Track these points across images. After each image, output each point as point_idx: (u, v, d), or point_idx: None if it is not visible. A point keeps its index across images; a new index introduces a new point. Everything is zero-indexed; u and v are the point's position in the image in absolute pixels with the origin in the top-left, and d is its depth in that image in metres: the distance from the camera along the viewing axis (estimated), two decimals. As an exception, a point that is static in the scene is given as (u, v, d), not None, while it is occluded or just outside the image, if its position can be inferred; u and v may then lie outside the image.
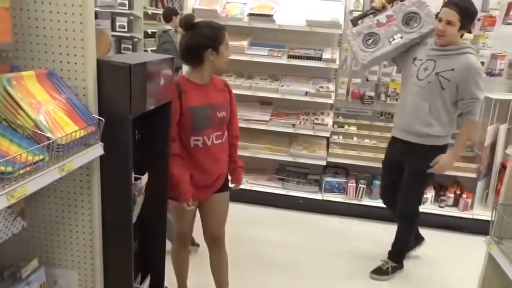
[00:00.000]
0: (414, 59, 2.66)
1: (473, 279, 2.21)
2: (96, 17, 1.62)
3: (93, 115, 1.53)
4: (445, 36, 2.49)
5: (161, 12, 6.64)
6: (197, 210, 2.35)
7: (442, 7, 2.53)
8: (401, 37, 2.68)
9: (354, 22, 2.84)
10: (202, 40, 2.03)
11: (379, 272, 2.97)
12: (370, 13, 2.82)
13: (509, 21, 3.51)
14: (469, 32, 2.59)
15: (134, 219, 1.94)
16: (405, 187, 2.82)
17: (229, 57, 2.13)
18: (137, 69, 1.59)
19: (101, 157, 1.63)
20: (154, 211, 2.13)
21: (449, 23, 2.44)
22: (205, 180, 2.19)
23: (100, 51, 1.64)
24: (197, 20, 2.09)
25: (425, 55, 2.61)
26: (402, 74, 2.83)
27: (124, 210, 1.74)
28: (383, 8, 2.76)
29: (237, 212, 2.78)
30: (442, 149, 2.69)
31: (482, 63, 3.58)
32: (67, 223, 1.74)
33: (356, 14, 3.59)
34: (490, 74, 3.64)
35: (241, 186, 3.79)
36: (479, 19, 3.54)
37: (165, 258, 2.31)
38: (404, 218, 2.91)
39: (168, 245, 2.43)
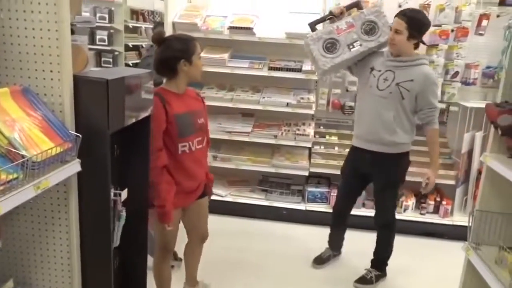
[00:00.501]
0: (372, 69, 2.71)
1: (454, 284, 2.25)
2: (73, 32, 1.61)
3: (70, 131, 1.52)
4: (395, 45, 2.57)
5: (142, 25, 6.65)
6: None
7: (394, 17, 2.62)
8: (360, 45, 2.72)
9: (312, 26, 2.84)
10: (174, 52, 2.11)
11: (363, 281, 2.98)
12: (328, 18, 2.84)
13: (480, 32, 3.62)
14: (423, 43, 2.65)
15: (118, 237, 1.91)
16: (381, 197, 2.88)
17: (204, 68, 2.26)
18: (115, 84, 1.58)
19: (79, 173, 1.61)
20: (135, 227, 2.11)
21: (397, 31, 2.53)
22: (191, 185, 2.28)
23: (77, 66, 1.64)
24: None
25: (384, 66, 2.67)
26: (358, 83, 2.87)
27: (103, 228, 1.72)
28: (341, 14, 2.78)
29: (221, 225, 2.77)
30: (408, 155, 2.82)
31: (457, 72, 3.69)
32: (44, 242, 1.70)
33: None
34: (464, 83, 3.74)
35: (225, 198, 3.86)
36: (452, 30, 3.64)
37: (146, 275, 2.28)
38: (384, 227, 2.94)
39: (150, 260, 2.40)
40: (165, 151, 2.14)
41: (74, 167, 1.54)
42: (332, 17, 2.80)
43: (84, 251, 1.73)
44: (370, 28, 2.71)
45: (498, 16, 3.61)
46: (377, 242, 3.00)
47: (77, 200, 1.66)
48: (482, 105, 3.64)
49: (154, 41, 2.17)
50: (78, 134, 1.52)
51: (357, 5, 2.82)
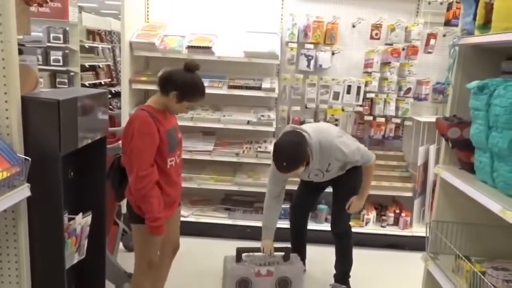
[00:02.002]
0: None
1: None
2: (21, 52, 1.55)
3: (18, 155, 1.45)
4: (300, 174, 2.70)
5: (99, 46, 6.52)
6: None
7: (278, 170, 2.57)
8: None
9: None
10: (179, 81, 2.13)
11: (330, 297, 2.99)
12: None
13: (429, 50, 3.81)
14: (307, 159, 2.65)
15: (73, 261, 1.82)
16: (339, 206, 2.93)
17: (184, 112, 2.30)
18: (67, 104, 1.53)
19: (29, 198, 1.53)
20: (92, 252, 2.02)
21: (295, 174, 2.63)
22: (176, 195, 2.35)
23: (26, 87, 1.57)
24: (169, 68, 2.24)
25: (304, 172, 2.72)
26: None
27: (55, 254, 1.64)
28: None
29: (184, 246, 2.70)
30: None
31: (409, 88, 3.85)
32: (-9, 272, 1.59)
33: (292, 46, 3.77)
34: (417, 99, 3.91)
35: (187, 219, 3.79)
36: (404, 49, 3.82)
37: (105, 302, 2.19)
38: (342, 236, 2.98)
39: (108, 285, 2.30)
40: (156, 166, 2.13)
41: (23, 192, 1.46)
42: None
43: (36, 278, 1.63)
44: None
45: (444, 35, 3.83)
46: (336, 254, 3.02)
47: (26, 227, 1.57)
48: (434, 119, 3.80)
49: (186, 66, 2.17)
50: (27, 158, 1.45)
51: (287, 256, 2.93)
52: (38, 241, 1.61)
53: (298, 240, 3.15)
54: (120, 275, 2.80)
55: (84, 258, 1.94)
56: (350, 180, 2.88)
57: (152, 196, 2.07)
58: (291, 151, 2.53)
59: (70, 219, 1.78)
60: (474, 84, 1.78)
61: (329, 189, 3.09)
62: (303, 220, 3.19)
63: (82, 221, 1.83)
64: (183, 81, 2.14)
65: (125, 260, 3.07)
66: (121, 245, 3.29)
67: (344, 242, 2.99)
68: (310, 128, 2.73)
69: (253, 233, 3.73)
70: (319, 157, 2.64)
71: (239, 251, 2.90)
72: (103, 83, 6.40)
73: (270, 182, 2.86)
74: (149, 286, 2.38)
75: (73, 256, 1.83)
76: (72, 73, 5.57)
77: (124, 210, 3.71)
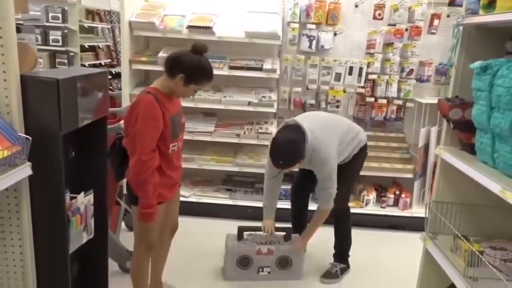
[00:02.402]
0: None
1: (414, 273, 2.32)
2: (19, 31, 1.54)
3: (19, 134, 1.45)
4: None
5: (98, 26, 6.46)
6: None
7: (275, 166, 2.63)
8: None
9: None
10: (185, 64, 2.09)
11: (329, 275, 3.02)
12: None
13: (433, 31, 3.77)
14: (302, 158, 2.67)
15: (81, 241, 1.84)
16: (340, 185, 2.92)
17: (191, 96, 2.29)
18: (66, 83, 1.52)
19: (31, 177, 1.54)
20: (95, 231, 2.04)
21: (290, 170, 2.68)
22: (178, 177, 2.34)
23: (25, 66, 1.56)
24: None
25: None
26: None
27: (58, 233, 1.66)
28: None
29: (186, 226, 2.73)
30: (365, 148, 2.97)
31: (412, 70, 3.81)
32: (-5, 250, 1.62)
33: (294, 26, 3.73)
34: (419, 80, 3.88)
35: (189, 199, 3.81)
36: (407, 29, 3.77)
37: (108, 279, 2.22)
38: (340, 217, 3.00)
39: (111, 264, 2.33)
40: (158, 151, 2.12)
41: (24, 170, 1.47)
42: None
43: (39, 258, 1.66)
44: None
45: (448, 16, 3.77)
46: (335, 235, 3.06)
47: (29, 205, 1.58)
48: (436, 101, 3.78)
49: (194, 48, 2.13)
50: (27, 137, 1.45)
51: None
52: (40, 219, 1.62)
53: (298, 220, 3.18)
54: (122, 254, 2.84)
55: (87, 237, 1.96)
56: (350, 164, 2.87)
57: (149, 183, 2.05)
58: (288, 150, 2.55)
59: (72, 198, 1.79)
60: (477, 64, 1.76)
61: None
62: (304, 201, 3.21)
63: (84, 200, 1.84)
64: (190, 63, 2.09)
65: (128, 239, 3.11)
66: (123, 224, 3.33)
67: (342, 223, 3.01)
68: (315, 125, 2.70)
69: (254, 213, 3.77)
70: (309, 157, 2.65)
71: (241, 230, 2.94)
72: (103, 63, 6.35)
73: (267, 165, 2.88)
74: (149, 266, 2.41)
75: (81, 235, 1.85)
76: (71, 54, 5.53)
77: (125, 190, 3.74)
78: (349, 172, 2.89)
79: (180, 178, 2.41)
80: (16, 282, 1.65)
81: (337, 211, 2.98)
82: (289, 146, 2.56)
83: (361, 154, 2.94)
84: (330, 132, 2.74)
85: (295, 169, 2.88)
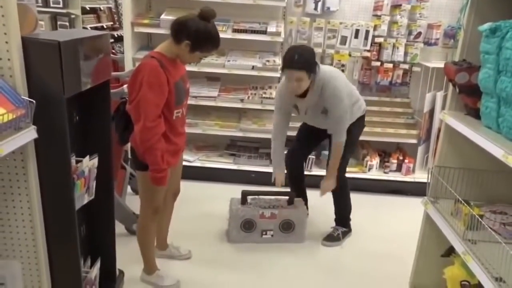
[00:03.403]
0: (296, 106, 2.83)
1: (415, 236, 2.37)
2: (19, -9, 1.50)
3: (22, 97, 1.45)
4: (300, 89, 2.63)
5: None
6: None
7: (283, 67, 2.61)
8: None
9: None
10: (192, 29, 2.05)
11: (331, 238, 3.08)
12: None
13: (443, -8, 3.66)
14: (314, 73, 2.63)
15: (83, 202, 1.88)
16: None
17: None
18: (68, 46, 1.51)
19: (37, 140, 1.55)
20: (101, 194, 2.07)
21: (298, 79, 2.56)
22: (182, 143, 2.36)
23: (25, 28, 1.54)
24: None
25: (302, 106, 2.77)
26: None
27: (65, 195, 1.69)
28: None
29: (189, 190, 2.78)
30: (364, 118, 2.99)
31: (420, 33, 3.73)
32: (4, 211, 1.66)
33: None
34: (427, 43, 3.80)
35: (193, 164, 3.85)
36: (415, -10, 3.66)
37: (115, 241, 2.28)
38: (340, 181, 2.99)
39: (117, 226, 2.39)
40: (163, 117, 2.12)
41: (30, 134, 1.48)
42: None
43: (47, 219, 1.70)
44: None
45: (459, -25, 3.64)
46: (335, 203, 3.10)
47: (36, 168, 1.60)
48: (443, 65, 3.73)
49: (201, 14, 2.08)
50: (31, 100, 1.45)
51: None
52: (47, 183, 1.65)
53: (296, 185, 3.20)
54: (128, 216, 2.90)
55: (93, 199, 1.99)
56: (347, 133, 2.84)
57: (157, 148, 2.06)
58: (304, 49, 2.62)
59: (77, 162, 1.81)
60: (486, 26, 1.72)
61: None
62: (300, 165, 3.20)
63: (89, 163, 1.86)
64: (197, 30, 2.05)
65: (134, 203, 3.17)
66: (129, 188, 3.38)
67: (340, 191, 3.03)
68: (324, 66, 2.78)
69: (258, 178, 3.82)
70: (319, 89, 2.64)
71: (244, 194, 2.98)
72: (105, 26, 6.23)
73: (275, 113, 2.93)
74: (155, 229, 2.48)
75: (83, 197, 1.88)
76: (73, 16, 5.41)
77: (130, 155, 3.78)
78: (347, 141, 2.86)
79: (184, 144, 2.42)
80: (27, 241, 1.70)
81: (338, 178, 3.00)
82: (304, 47, 2.65)
83: (359, 123, 2.94)
84: (341, 78, 2.77)
85: (301, 111, 2.83)
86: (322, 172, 3.55)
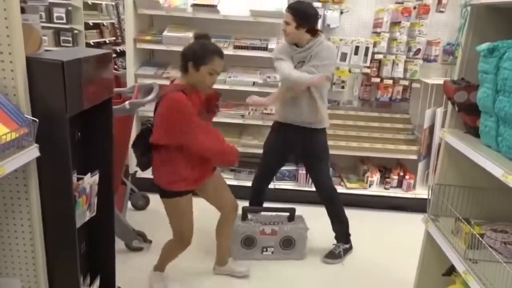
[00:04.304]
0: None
1: (416, 253, 2.36)
2: (24, 11, 1.53)
3: (26, 116, 1.46)
4: (288, 35, 2.74)
5: (102, 2, 6.39)
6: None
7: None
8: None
9: None
10: (189, 51, 2.19)
11: (332, 256, 3.06)
12: None
13: (441, 10, 3.70)
14: (316, 30, 2.74)
15: (85, 219, 1.89)
16: (321, 169, 2.99)
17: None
18: (71, 65, 1.53)
19: (39, 159, 1.56)
20: (101, 210, 2.08)
21: (286, 23, 2.70)
22: (203, 173, 2.43)
23: (30, 47, 1.56)
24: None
25: (295, 59, 2.78)
26: None
27: (66, 213, 1.69)
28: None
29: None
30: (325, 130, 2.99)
31: (419, 49, 3.77)
32: (5, 229, 1.66)
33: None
34: (426, 60, 3.83)
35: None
36: (415, 8, 3.71)
37: (115, 258, 2.27)
38: (330, 198, 3.02)
39: (117, 242, 2.38)
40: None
41: (32, 152, 1.49)
42: None
43: (48, 237, 1.70)
44: None
45: (458, -7, 3.70)
46: (331, 218, 3.08)
47: (37, 187, 1.61)
48: (442, 81, 3.74)
49: (195, 37, 2.28)
50: (34, 119, 1.46)
51: None
52: (49, 201, 1.65)
53: (256, 203, 3.21)
54: (128, 233, 2.90)
55: (94, 216, 1.99)
56: (315, 146, 2.93)
57: (216, 148, 2.31)
58: (307, 2, 2.76)
59: (79, 179, 1.82)
60: (484, 46, 1.73)
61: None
62: (261, 196, 3.22)
63: (90, 180, 1.87)
64: (193, 48, 2.18)
65: (134, 218, 3.17)
66: (129, 204, 3.38)
67: (333, 204, 3.04)
68: None
69: (258, 194, 3.79)
70: (314, 46, 2.70)
71: (245, 210, 2.98)
72: (107, 41, 6.31)
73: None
74: (178, 253, 2.54)
75: (85, 214, 1.89)
76: (76, 31, 5.49)
77: (131, 170, 3.79)
78: (322, 147, 2.95)
79: (207, 172, 2.45)
80: (26, 259, 1.69)
81: (325, 191, 3.01)
82: (311, 4, 2.79)
83: (323, 132, 2.96)
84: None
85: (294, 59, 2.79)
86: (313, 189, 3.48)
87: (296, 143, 2.94)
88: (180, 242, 2.45)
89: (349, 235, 3.15)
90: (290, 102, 2.84)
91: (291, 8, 2.70)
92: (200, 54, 2.15)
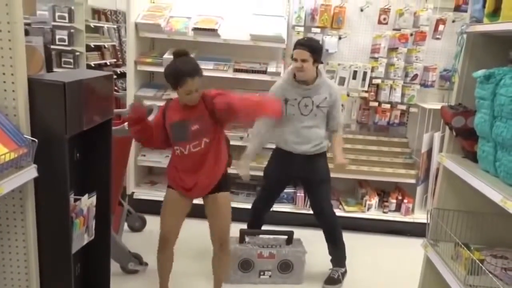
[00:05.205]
0: (286, 100, 2.86)
1: (415, 279, 2.33)
2: (27, 33, 1.56)
3: (25, 136, 1.46)
4: (304, 72, 2.78)
5: (104, 25, 6.49)
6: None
7: (293, 49, 2.80)
8: None
9: None
10: (166, 75, 2.25)
11: (332, 282, 3.01)
12: None
13: (437, 36, 3.77)
14: (321, 63, 2.89)
15: (83, 243, 1.87)
16: (323, 194, 2.98)
17: (192, 100, 2.27)
18: (72, 87, 1.54)
19: (36, 179, 1.56)
20: (98, 232, 2.05)
21: (303, 60, 2.74)
22: (190, 182, 2.40)
23: (32, 68, 1.58)
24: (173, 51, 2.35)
25: (298, 94, 2.84)
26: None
27: (62, 235, 1.67)
28: None
29: (188, 227, 2.75)
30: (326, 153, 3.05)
31: (416, 75, 3.82)
32: (0, 250, 1.64)
33: (299, 29, 3.75)
34: (423, 85, 3.88)
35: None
36: (411, 34, 3.78)
37: (110, 280, 2.23)
38: (329, 223, 2.99)
39: (113, 265, 2.35)
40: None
41: (30, 172, 1.48)
42: None
43: (43, 259, 1.67)
44: None
45: (453, 21, 3.77)
46: (330, 243, 3.04)
47: (34, 207, 1.60)
48: (439, 106, 3.78)
49: (173, 54, 2.29)
50: (33, 139, 1.47)
51: None
52: (45, 221, 1.64)
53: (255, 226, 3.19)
54: (124, 255, 2.86)
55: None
56: (318, 171, 2.95)
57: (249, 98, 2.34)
58: (313, 39, 3.01)
59: (76, 200, 1.81)
60: (480, 73, 1.76)
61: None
62: (262, 218, 3.21)
63: (88, 202, 1.86)
64: (167, 71, 2.25)
65: (130, 240, 3.13)
66: (125, 225, 3.35)
67: (333, 229, 3.01)
68: None
69: (256, 216, 3.77)
70: (322, 84, 2.83)
71: (242, 233, 2.95)
72: (108, 63, 6.38)
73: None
74: (164, 260, 2.53)
75: (82, 237, 1.87)
76: (77, 53, 5.56)
77: (128, 191, 3.76)
78: (325, 171, 2.98)
79: (198, 187, 2.40)
80: (20, 282, 1.67)
81: (326, 217, 2.99)
82: (315, 39, 3.06)
83: (323, 160, 2.99)
84: None
85: (293, 104, 2.84)
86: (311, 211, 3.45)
87: (300, 169, 2.93)
88: (160, 242, 2.45)
89: (345, 258, 3.11)
90: (295, 133, 2.88)
91: (306, 46, 2.73)
92: (173, 79, 2.21)
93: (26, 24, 1.57)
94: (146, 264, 2.94)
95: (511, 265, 1.87)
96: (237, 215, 3.76)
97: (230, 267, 2.80)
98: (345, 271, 3.10)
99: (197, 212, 3.69)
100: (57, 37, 5.37)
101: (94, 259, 2.15)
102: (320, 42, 3.04)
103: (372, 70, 3.83)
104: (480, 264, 1.69)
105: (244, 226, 3.08)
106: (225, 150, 2.49)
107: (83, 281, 2.13)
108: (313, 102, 2.82)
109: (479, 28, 1.91)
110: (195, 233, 3.02)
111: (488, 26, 1.82)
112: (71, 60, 5.48)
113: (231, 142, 3.84)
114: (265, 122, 2.90)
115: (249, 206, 3.82)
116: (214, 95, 2.33)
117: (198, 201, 2.58)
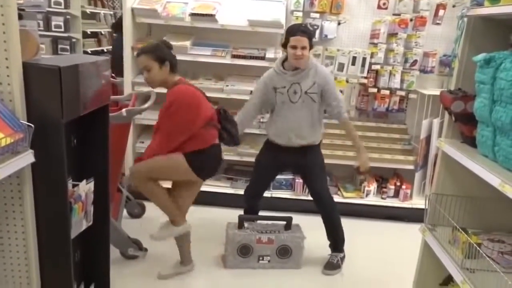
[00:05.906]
0: (275, 89, 2.86)
1: (413, 263, 2.34)
2: (21, 17, 1.53)
3: (21, 121, 1.45)
4: (303, 59, 2.75)
5: (100, 11, 6.42)
6: None
7: (290, 36, 2.74)
8: None
9: None
10: None
11: (332, 267, 3.03)
12: None
13: (438, 22, 3.73)
14: (312, 48, 2.84)
15: (81, 228, 1.87)
16: (319, 181, 3.00)
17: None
18: (68, 71, 1.53)
19: (34, 165, 1.55)
20: (97, 218, 2.06)
21: (303, 48, 2.72)
22: None
23: (27, 53, 1.56)
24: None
25: (286, 81, 2.82)
26: (271, 105, 2.98)
27: (60, 219, 1.67)
28: None
29: (188, 214, 2.76)
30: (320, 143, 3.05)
31: (416, 61, 3.79)
32: (-2, 236, 1.64)
33: (297, 14, 3.71)
34: (423, 71, 3.86)
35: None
36: (411, 20, 3.74)
37: (109, 266, 2.25)
38: (327, 208, 3.01)
39: (113, 251, 2.36)
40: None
41: (27, 158, 1.48)
42: None
43: (42, 244, 1.68)
44: None
45: (454, 6, 3.72)
46: (328, 228, 3.06)
47: (32, 192, 1.60)
48: (439, 92, 3.76)
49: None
50: (30, 124, 1.46)
51: None
52: (43, 206, 1.64)
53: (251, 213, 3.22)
54: (124, 241, 2.87)
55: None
56: (314, 160, 2.95)
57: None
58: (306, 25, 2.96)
59: (74, 185, 1.81)
60: (480, 57, 1.75)
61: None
62: (256, 205, 3.23)
63: (85, 188, 1.86)
64: None
65: (129, 226, 3.14)
66: (125, 212, 3.36)
67: (331, 214, 3.03)
68: None
69: (255, 203, 3.78)
70: (313, 70, 2.80)
71: (241, 219, 2.96)
72: (105, 50, 6.33)
73: (254, 95, 3.04)
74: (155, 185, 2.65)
75: (81, 222, 1.87)
76: (74, 40, 5.51)
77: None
78: (319, 160, 2.99)
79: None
80: (19, 267, 1.67)
81: (325, 202, 3.00)
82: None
83: (318, 151, 3.00)
84: None
85: (284, 89, 2.84)
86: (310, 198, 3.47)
87: (293, 161, 2.96)
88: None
89: (343, 243, 3.13)
90: (290, 125, 2.87)
91: (306, 32, 2.73)
92: None
93: (19, 8, 1.54)
94: (146, 249, 2.95)
95: (507, 248, 1.88)
96: (236, 201, 3.79)
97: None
98: (344, 256, 3.12)
99: (200, 200, 3.71)
100: (53, 23, 5.32)
101: (94, 245, 2.15)
102: (319, 27, 3.04)
103: (372, 56, 3.80)
104: (478, 248, 1.70)
105: (242, 212, 3.10)
106: None
107: (83, 267, 2.14)
108: (301, 89, 2.80)
109: (480, 11, 1.89)
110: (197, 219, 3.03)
111: (489, 9, 1.80)
112: (68, 47, 5.44)
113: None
114: (249, 110, 3.00)
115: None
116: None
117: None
